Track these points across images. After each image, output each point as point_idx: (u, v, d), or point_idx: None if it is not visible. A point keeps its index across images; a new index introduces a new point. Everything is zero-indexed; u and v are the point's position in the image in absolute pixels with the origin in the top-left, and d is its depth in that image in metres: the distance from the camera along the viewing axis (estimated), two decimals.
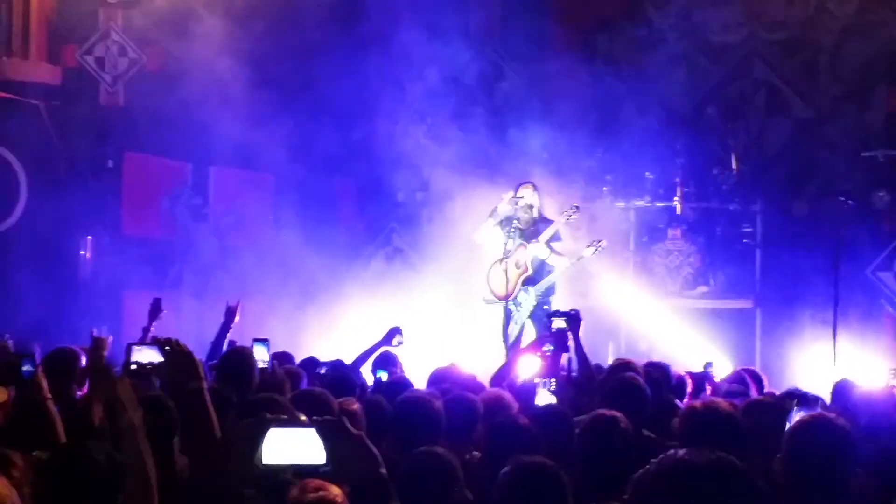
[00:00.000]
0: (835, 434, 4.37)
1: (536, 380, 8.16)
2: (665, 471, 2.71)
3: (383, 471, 3.76)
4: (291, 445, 3.68)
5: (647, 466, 2.77)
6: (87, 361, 6.60)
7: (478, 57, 18.20)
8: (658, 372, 8.35)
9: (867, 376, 9.38)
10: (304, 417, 3.87)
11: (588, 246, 13.65)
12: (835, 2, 17.57)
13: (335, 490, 3.89)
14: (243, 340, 9.86)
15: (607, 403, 6.46)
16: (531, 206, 13.74)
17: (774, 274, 16.61)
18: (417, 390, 7.13)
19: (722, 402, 5.78)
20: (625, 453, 5.71)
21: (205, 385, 5.33)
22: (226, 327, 10.13)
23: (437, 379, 8.50)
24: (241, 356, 7.72)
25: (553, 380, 8.18)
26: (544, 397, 7.88)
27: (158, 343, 5.67)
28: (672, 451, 2.77)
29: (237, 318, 10.25)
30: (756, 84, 17.97)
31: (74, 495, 4.18)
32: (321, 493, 3.94)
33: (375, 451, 3.80)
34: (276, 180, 17.49)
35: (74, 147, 16.69)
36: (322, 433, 3.67)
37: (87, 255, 16.70)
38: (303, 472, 3.78)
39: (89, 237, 16.66)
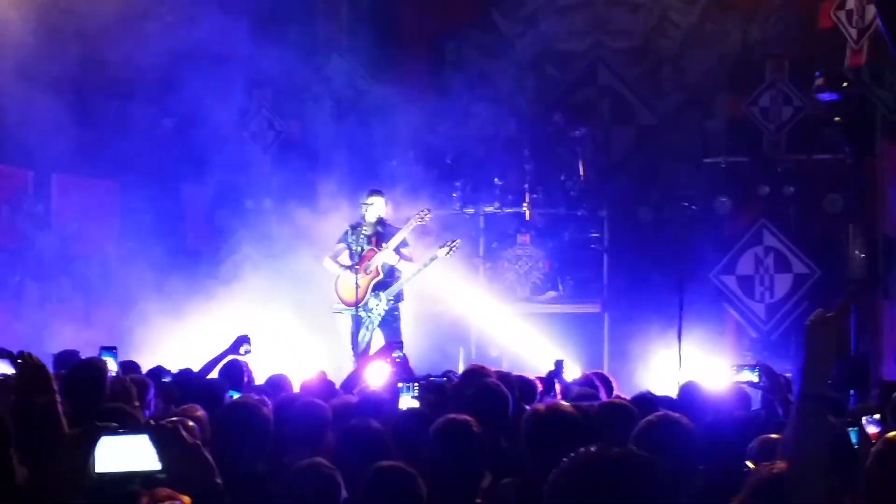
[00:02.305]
0: (678, 432, 4.45)
1: (399, 384, 8.16)
2: (577, 467, 2.70)
3: (219, 480, 3.71)
4: (125, 453, 3.64)
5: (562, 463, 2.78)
6: None
7: (326, 63, 18.16)
8: (504, 380, 8.37)
9: (712, 377, 9.54)
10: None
11: (442, 246, 13.68)
12: (677, 12, 17.95)
13: (186, 499, 3.85)
14: (91, 349, 9.71)
15: (467, 409, 6.44)
16: (378, 213, 13.73)
17: (621, 279, 16.88)
18: (245, 396, 7.00)
19: (564, 405, 5.83)
20: (476, 458, 5.70)
21: (57, 398, 5.27)
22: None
23: (275, 384, 8.47)
24: (93, 367, 7.56)
25: (416, 384, 8.17)
26: (407, 402, 7.88)
27: (10, 356, 5.57)
28: (582, 448, 2.77)
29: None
30: (601, 91, 18.26)
31: None
32: (172, 501, 3.89)
33: (210, 459, 3.75)
34: (122, 187, 17.16)
35: None
36: (156, 440, 3.63)
37: None
38: (138, 479, 3.74)
39: None
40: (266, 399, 7.23)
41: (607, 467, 2.61)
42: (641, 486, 2.59)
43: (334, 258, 13.96)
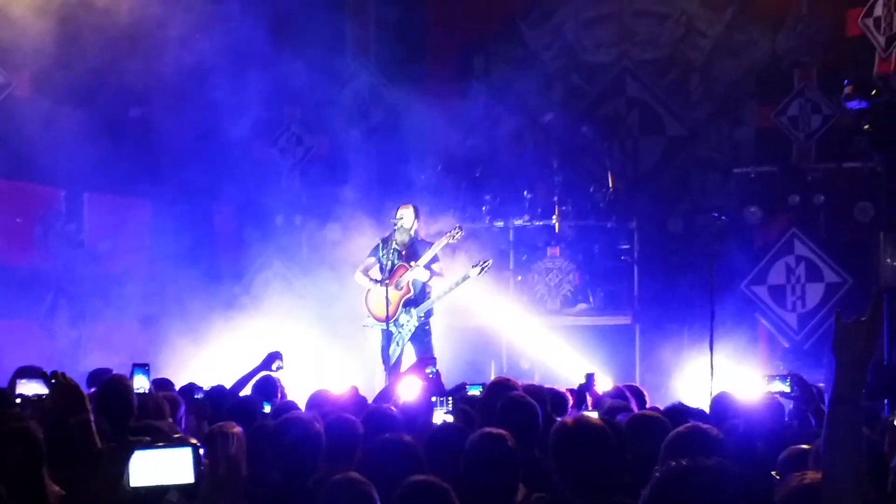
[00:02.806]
0: (707, 443, 4.44)
1: (433, 399, 8.16)
2: (669, 479, 2.72)
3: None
4: (158, 467, 3.67)
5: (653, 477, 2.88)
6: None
7: (354, 77, 18.24)
8: (535, 393, 8.36)
9: (744, 388, 9.51)
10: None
11: (474, 266, 13.64)
12: (704, 21, 17.94)
13: None
14: (124, 367, 9.76)
15: (495, 422, 6.44)
16: (410, 228, 13.72)
17: (652, 290, 16.82)
18: (299, 412, 7.06)
19: (591, 417, 5.81)
20: (511, 472, 5.70)
21: (90, 417, 5.30)
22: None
23: (316, 402, 8.45)
24: (120, 383, 7.61)
25: (450, 399, 8.17)
26: (441, 416, 7.88)
27: (44, 376, 5.61)
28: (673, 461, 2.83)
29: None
30: (629, 103, 18.25)
31: None
32: None
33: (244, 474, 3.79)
34: (153, 205, 17.25)
35: None
36: (196, 453, 3.66)
37: None
38: (172, 492, 3.77)
39: None
40: (318, 415, 7.26)
41: (701, 477, 2.65)
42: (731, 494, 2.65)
43: (365, 272, 13.97)
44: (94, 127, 15.21)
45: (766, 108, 17.05)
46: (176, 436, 3.96)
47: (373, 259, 13.81)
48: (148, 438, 3.92)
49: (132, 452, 3.69)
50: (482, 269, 13.53)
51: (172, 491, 3.80)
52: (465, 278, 13.59)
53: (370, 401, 9.28)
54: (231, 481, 3.73)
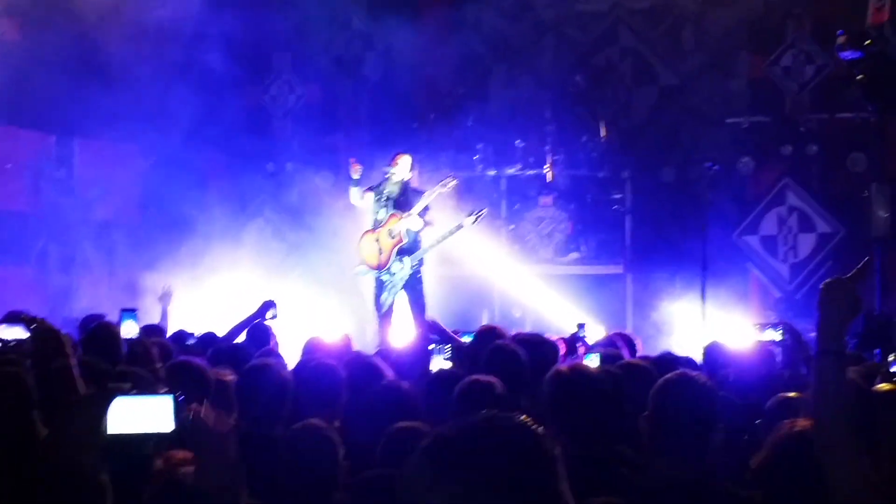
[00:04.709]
0: (696, 391, 4.44)
1: (431, 346, 8.17)
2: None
3: (234, 449, 3.73)
4: (139, 414, 3.65)
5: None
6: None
7: (346, 25, 18.14)
8: (527, 341, 8.35)
9: (736, 336, 9.54)
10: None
11: (469, 215, 13.56)
12: None
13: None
14: (113, 313, 9.77)
15: (483, 370, 6.43)
16: (402, 177, 13.66)
17: (644, 239, 16.85)
18: (267, 359, 6.96)
19: (587, 365, 5.80)
20: None
21: (71, 361, 5.29)
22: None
23: (310, 350, 8.44)
24: (107, 329, 7.63)
25: (448, 346, 8.17)
26: (439, 363, 7.89)
27: (24, 321, 5.59)
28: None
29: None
30: (622, 52, 18.17)
31: None
32: (187, 465, 3.92)
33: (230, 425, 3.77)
34: (144, 152, 17.20)
35: None
36: (177, 402, 3.64)
37: None
38: (151, 441, 3.75)
39: None
40: (284, 361, 7.24)
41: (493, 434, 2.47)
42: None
43: (359, 196, 13.84)
44: (85, 72, 15.14)
45: (758, 59, 17.01)
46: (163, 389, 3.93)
47: (371, 193, 13.68)
48: (129, 385, 3.89)
49: (112, 399, 3.67)
50: (477, 217, 13.45)
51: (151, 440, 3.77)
52: (458, 227, 13.51)
53: (371, 350, 9.29)
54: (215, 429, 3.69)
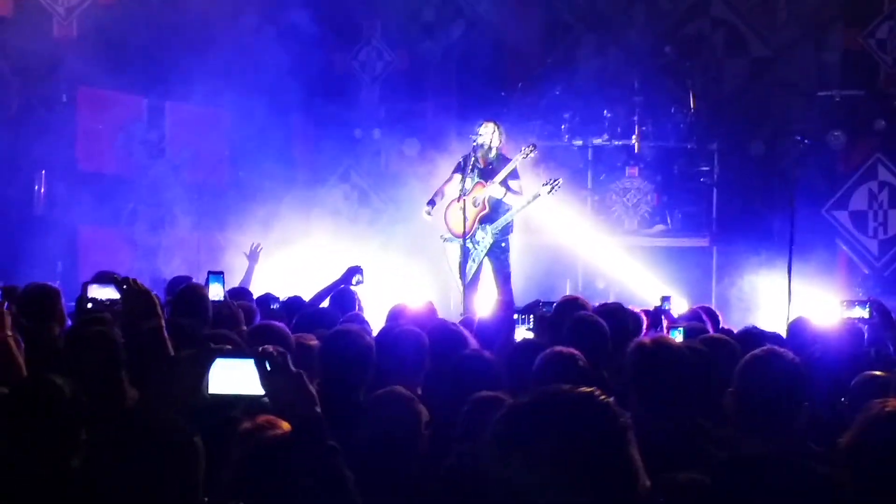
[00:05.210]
0: (783, 368, 4.41)
1: (515, 316, 8.15)
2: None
3: (318, 409, 3.75)
4: (234, 376, 3.68)
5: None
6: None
7: None
8: (611, 312, 8.31)
9: (822, 313, 9.43)
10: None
11: (545, 184, 13.52)
12: None
13: (285, 425, 3.89)
14: (200, 275, 9.88)
15: (565, 341, 6.41)
16: (490, 145, 13.64)
17: (730, 213, 16.68)
18: (347, 325, 6.98)
19: (671, 338, 5.76)
20: None
21: (162, 322, 5.31)
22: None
23: (394, 316, 8.47)
24: (196, 292, 7.71)
25: (531, 316, 8.15)
26: (522, 333, 7.88)
27: (116, 281, 5.64)
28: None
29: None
30: (714, 23, 17.94)
31: (37, 428, 4.16)
32: (272, 427, 3.96)
33: (312, 389, 3.79)
34: (233, 116, 17.34)
35: (27, 81, 16.47)
36: (260, 366, 3.66)
37: (42, 190, 16.54)
38: (244, 403, 3.79)
39: (43, 172, 16.49)
40: (369, 327, 7.27)
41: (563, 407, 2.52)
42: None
43: (443, 186, 13.93)
44: (176, 35, 15.28)
45: (853, 30, 16.73)
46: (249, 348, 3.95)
47: (458, 175, 13.75)
48: (229, 346, 3.93)
49: (213, 359, 3.70)
50: (553, 187, 13.41)
51: (242, 402, 3.81)
52: (535, 196, 13.48)
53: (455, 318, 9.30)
54: (294, 397, 3.72)
